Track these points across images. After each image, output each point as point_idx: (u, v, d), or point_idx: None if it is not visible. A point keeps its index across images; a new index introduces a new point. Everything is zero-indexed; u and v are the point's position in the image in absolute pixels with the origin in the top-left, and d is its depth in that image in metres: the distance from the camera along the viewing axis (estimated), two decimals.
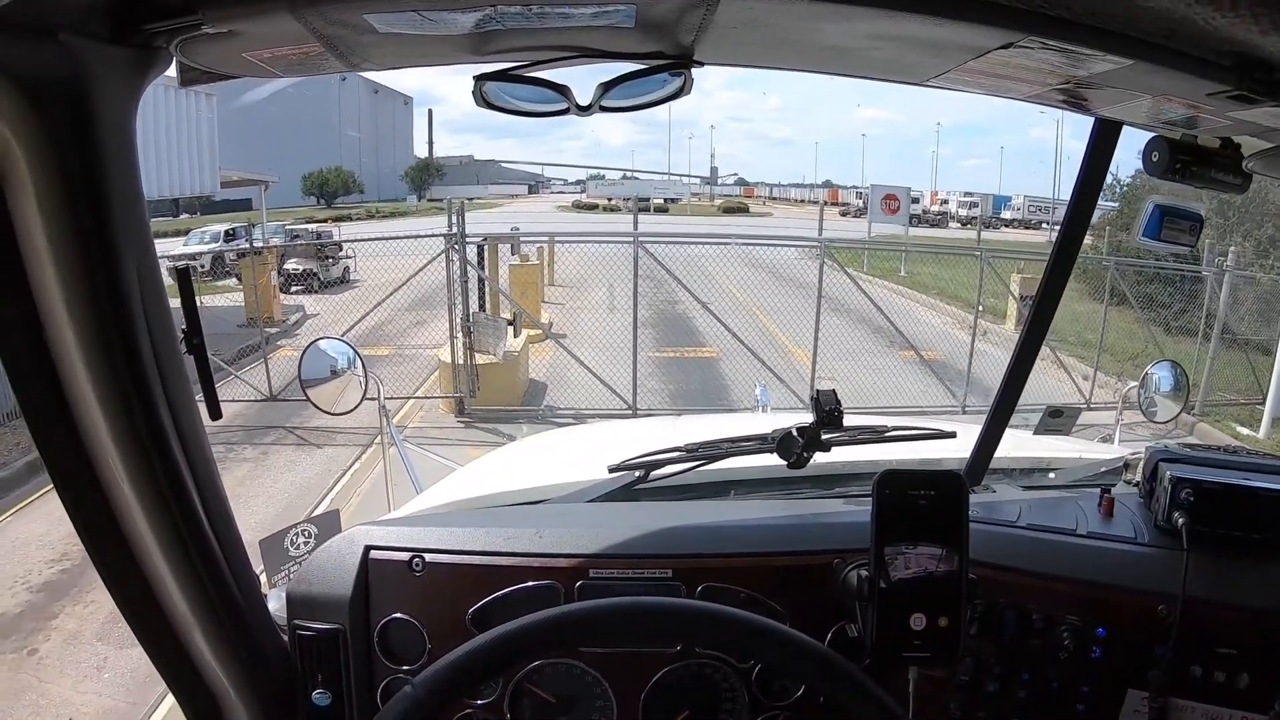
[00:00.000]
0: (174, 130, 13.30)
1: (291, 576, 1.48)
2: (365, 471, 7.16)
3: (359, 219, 37.02)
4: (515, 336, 9.65)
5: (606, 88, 0.91)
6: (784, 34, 0.92)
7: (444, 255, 8.90)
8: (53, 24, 0.73)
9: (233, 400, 9.06)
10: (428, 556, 1.30)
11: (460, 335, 8.69)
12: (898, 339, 10.63)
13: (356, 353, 2.33)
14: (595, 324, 11.00)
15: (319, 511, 2.06)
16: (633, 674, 1.27)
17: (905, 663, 1.15)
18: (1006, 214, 49.53)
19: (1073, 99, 1.06)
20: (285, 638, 1.28)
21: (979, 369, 9.79)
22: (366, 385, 2.33)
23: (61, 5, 0.74)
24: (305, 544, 1.62)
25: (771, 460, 1.57)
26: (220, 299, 13.19)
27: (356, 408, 2.31)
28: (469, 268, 9.13)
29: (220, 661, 1.11)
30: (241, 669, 1.13)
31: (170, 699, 4.24)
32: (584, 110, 0.93)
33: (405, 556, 1.30)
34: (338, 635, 1.27)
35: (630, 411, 8.87)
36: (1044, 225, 43.37)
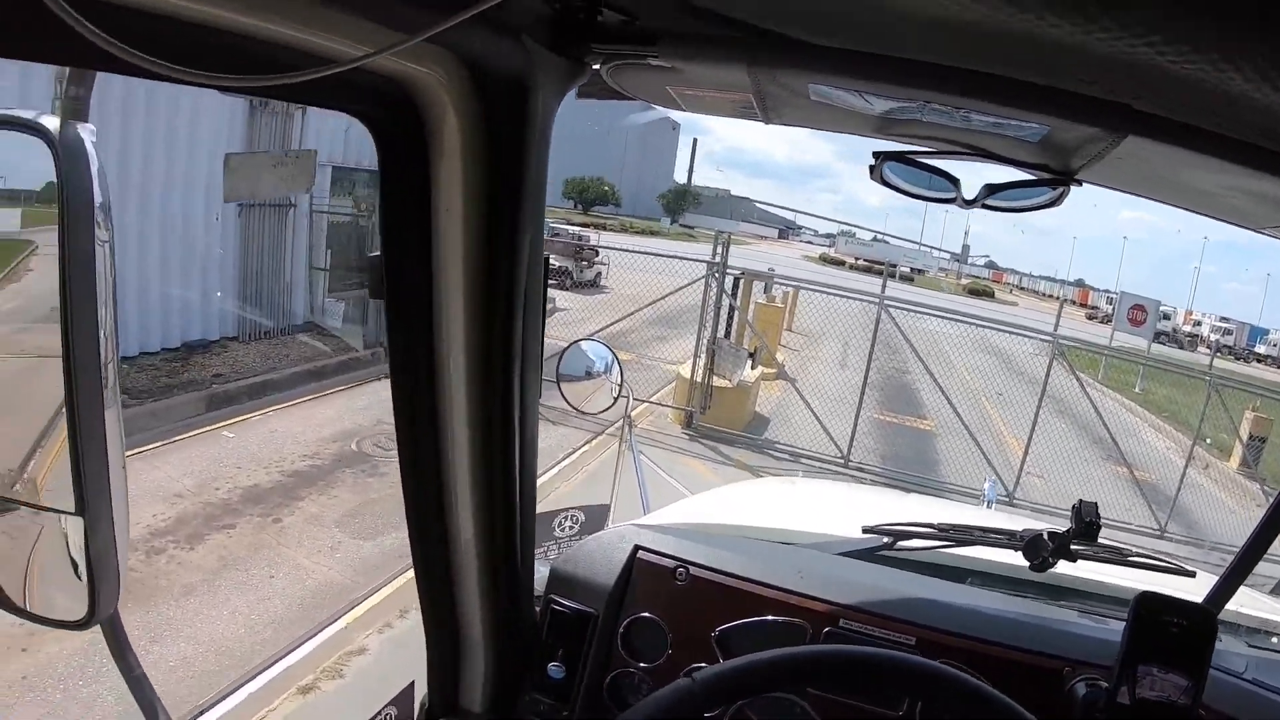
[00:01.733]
0: None
1: (550, 553, 1.61)
2: (590, 457, 7.81)
3: (612, 230, 38.54)
4: (752, 368, 10.30)
5: (993, 189, 0.96)
6: (1163, 173, 0.94)
7: (704, 280, 9.71)
8: (518, 25, 0.82)
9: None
10: (692, 569, 1.36)
11: (704, 355, 9.44)
12: (1113, 451, 10.20)
13: (617, 359, 2.37)
14: (824, 375, 11.43)
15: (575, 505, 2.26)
16: None
17: None
18: (1261, 348, 44.75)
19: None
20: (537, 608, 1.38)
21: (1189, 501, 9.34)
22: (619, 392, 2.37)
23: (533, 13, 0.83)
24: (571, 528, 1.78)
25: (1008, 557, 1.59)
26: None
27: (604, 411, 2.36)
28: (724, 296, 9.85)
29: (481, 608, 1.21)
30: (493, 621, 1.22)
31: (389, 589, 5.12)
32: (968, 204, 0.98)
33: (671, 564, 1.37)
34: (589, 618, 1.35)
35: (843, 462, 9.19)
36: None
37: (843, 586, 1.34)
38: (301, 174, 11.05)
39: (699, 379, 9.50)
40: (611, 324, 10.84)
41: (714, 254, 9.63)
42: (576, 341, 2.36)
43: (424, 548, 1.15)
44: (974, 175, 0.97)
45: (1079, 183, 0.96)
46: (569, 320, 13.13)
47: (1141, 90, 0.70)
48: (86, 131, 0.69)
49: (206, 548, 5.60)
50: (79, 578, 0.75)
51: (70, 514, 0.72)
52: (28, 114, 0.69)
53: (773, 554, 1.47)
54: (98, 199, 0.68)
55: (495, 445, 1.05)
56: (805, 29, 0.79)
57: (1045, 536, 1.49)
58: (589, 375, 2.31)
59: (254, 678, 4.40)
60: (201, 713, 4.08)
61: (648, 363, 11.91)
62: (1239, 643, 1.72)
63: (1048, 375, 9.56)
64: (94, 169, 0.68)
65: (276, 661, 4.53)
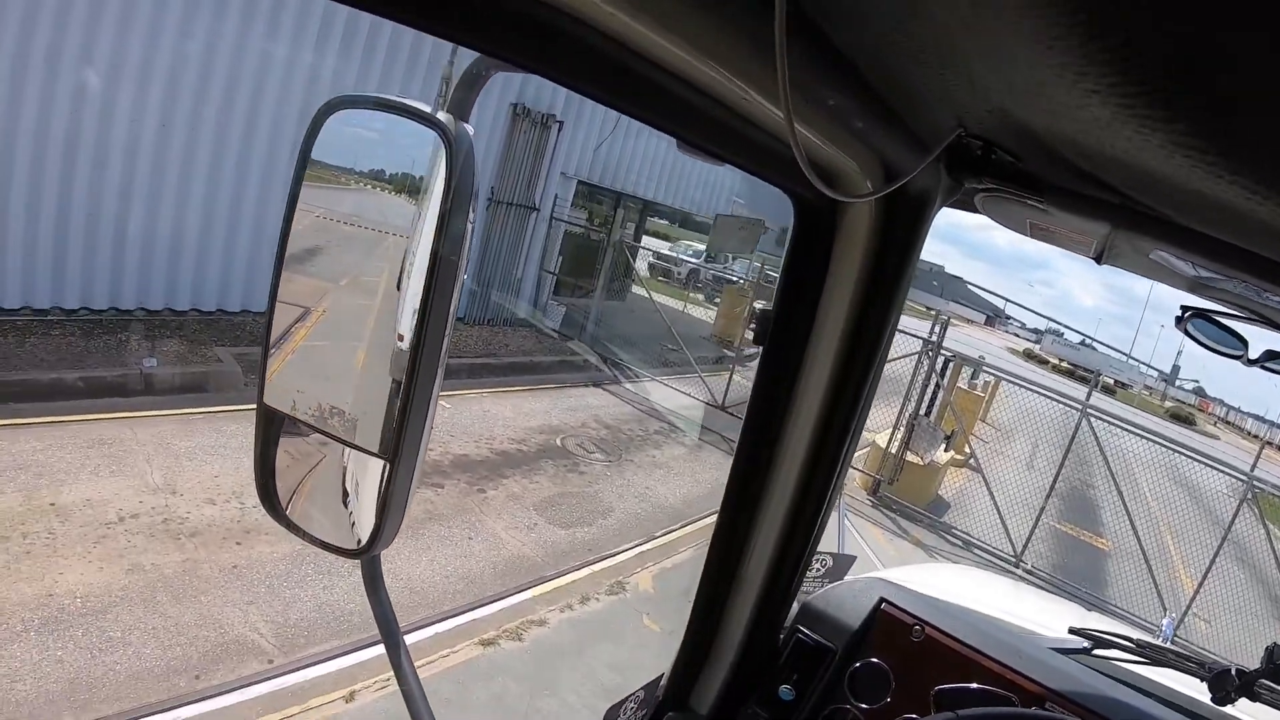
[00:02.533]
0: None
1: (803, 592, 1.64)
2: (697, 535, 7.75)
3: None
4: (944, 450, 10.52)
5: (1273, 354, 1.02)
6: None
7: (917, 356, 9.92)
8: (937, 148, 0.93)
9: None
10: (928, 629, 1.47)
11: (903, 429, 9.79)
12: None
13: None
14: (1010, 472, 11.31)
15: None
16: None
17: None
18: None
19: None
20: (781, 635, 1.48)
21: None
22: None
23: (946, 141, 0.92)
24: (818, 569, 1.79)
25: (1191, 686, 1.63)
26: (692, 309, 14.97)
27: None
28: (934, 376, 10.10)
29: (742, 627, 1.34)
30: (747, 640, 1.34)
31: (576, 575, 5.40)
32: (1251, 363, 1.03)
33: (910, 620, 1.48)
34: (828, 653, 1.47)
35: (1014, 561, 9.26)
36: None
37: (1051, 674, 1.41)
38: (753, 238, 13.10)
39: (893, 450, 9.78)
40: None
41: (931, 332, 9.86)
42: None
43: (717, 563, 1.28)
44: (1259, 340, 1.03)
45: None
46: None
47: None
48: (468, 129, 0.76)
49: (415, 500, 6.09)
50: (357, 511, 0.84)
51: (376, 455, 0.79)
52: (426, 107, 0.77)
53: (996, 632, 1.54)
54: (475, 189, 0.75)
55: (811, 495, 1.18)
56: (1169, 205, 0.85)
57: (1233, 672, 1.52)
58: None
59: (443, 620, 4.95)
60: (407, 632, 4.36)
61: None
62: None
63: (1235, 516, 9.09)
64: (476, 162, 0.75)
65: (465, 612, 5.10)
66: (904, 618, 1.47)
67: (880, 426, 10.36)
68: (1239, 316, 1.02)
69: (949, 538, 9.52)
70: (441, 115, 0.75)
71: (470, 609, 5.09)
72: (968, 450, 11.65)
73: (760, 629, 1.35)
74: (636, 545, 6.58)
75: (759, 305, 1.37)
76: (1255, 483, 9.29)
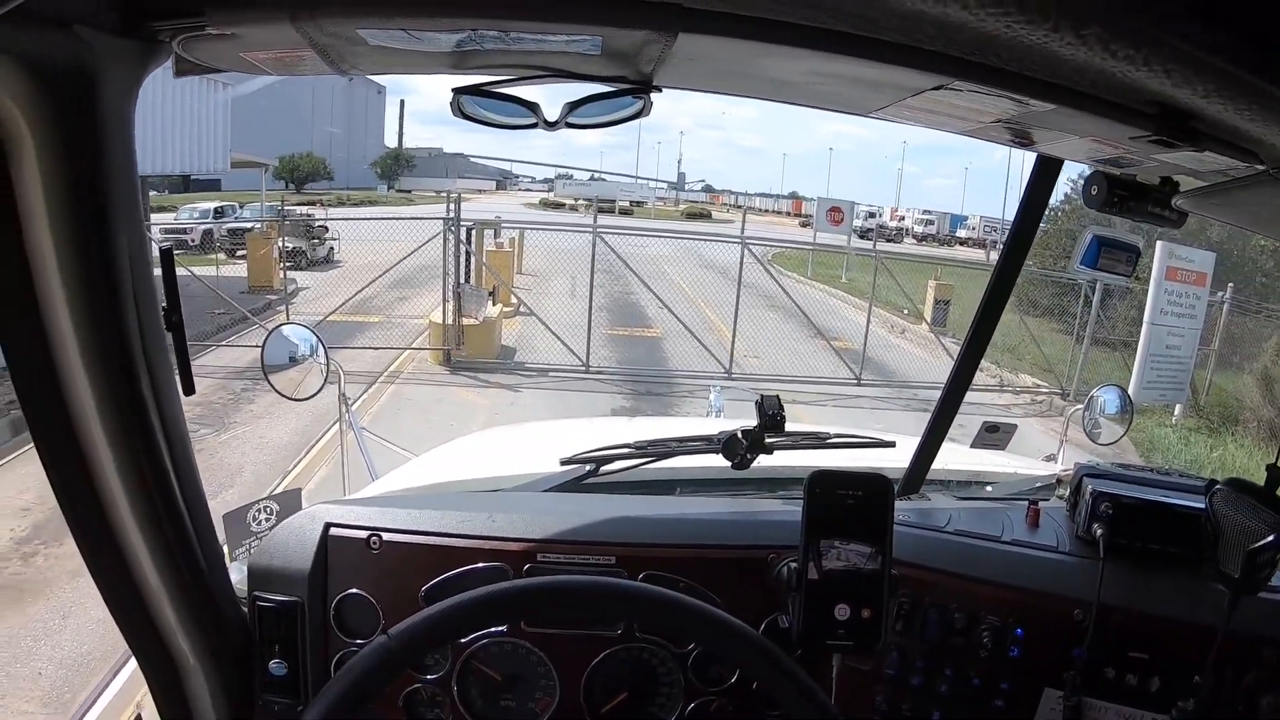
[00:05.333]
0: (191, 114, 14.29)
1: (253, 551, 1.52)
2: (328, 450, 7.39)
3: (330, 205, 36.55)
4: (494, 306, 11.74)
5: (572, 106, 0.97)
6: (735, 66, 0.96)
7: (441, 236, 10.96)
8: (67, 15, 0.76)
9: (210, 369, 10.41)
10: (385, 536, 1.33)
11: (451, 300, 10.70)
12: (816, 330, 12.66)
13: (320, 340, 2.30)
14: (557, 307, 12.83)
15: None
16: (575, 655, 1.31)
17: (829, 649, 1.18)
18: (962, 233, 49.62)
19: (1012, 137, 1.09)
20: (245, 609, 1.32)
21: (890, 358, 12.57)
22: (328, 372, 2.31)
23: None
24: (267, 520, 1.67)
25: (717, 461, 1.62)
26: (222, 269, 14.12)
27: (316, 394, 2.31)
28: (462, 245, 11.18)
29: (182, 627, 1.14)
30: (202, 636, 1.17)
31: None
32: (551, 126, 0.98)
33: (364, 535, 1.34)
34: (295, 607, 1.31)
35: (584, 369, 10.81)
36: (997, 245, 44.52)
37: (540, 521, 1.36)
38: None
39: (450, 321, 10.73)
40: (356, 294, 11.59)
41: (447, 211, 11.02)
42: (276, 328, 2.32)
43: (105, 580, 1.07)
44: (561, 97, 0.98)
45: (657, 88, 0.97)
46: (312, 297, 13.44)
47: None
48: None
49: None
50: None
51: None
52: None
53: (467, 504, 1.46)
54: None
55: (140, 456, 1.00)
56: None
57: (739, 435, 1.56)
58: (294, 361, 2.27)
59: None
60: None
61: (396, 320, 12.87)
62: (948, 498, 1.84)
63: (740, 267, 11.70)
64: None
65: None
66: (355, 535, 1.35)
67: (424, 311, 11.64)
68: (523, 80, 0.98)
69: (524, 374, 10.80)
70: None
71: None
72: (514, 300, 13.09)
73: (207, 618, 1.18)
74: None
75: None
76: (747, 242, 12.19)
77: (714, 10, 0.75)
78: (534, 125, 0.97)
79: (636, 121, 1.01)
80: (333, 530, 1.35)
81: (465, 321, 10.89)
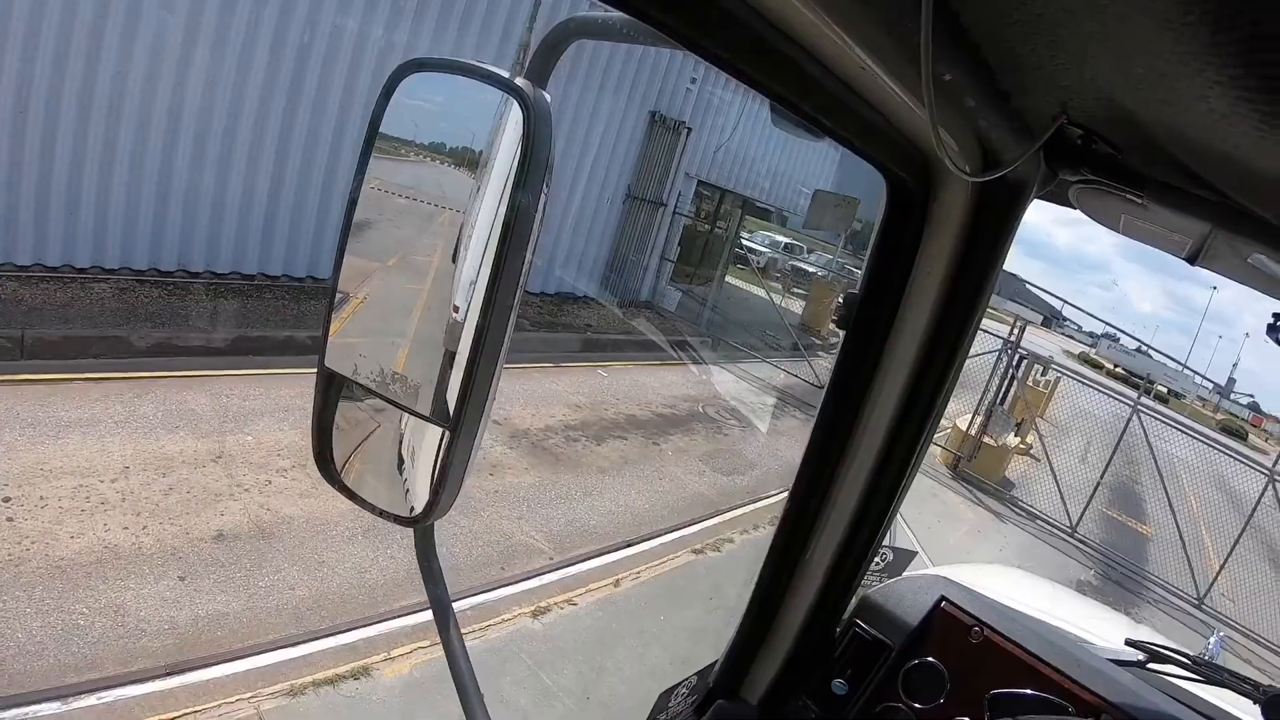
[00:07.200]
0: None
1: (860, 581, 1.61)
2: None
3: None
4: (1014, 437, 12.48)
5: None
6: None
7: (996, 354, 11.73)
8: (1035, 133, 0.88)
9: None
10: (987, 632, 1.41)
11: (982, 415, 11.63)
12: None
13: None
14: (1065, 464, 12.83)
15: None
16: None
17: None
18: None
19: None
20: (839, 628, 1.44)
21: None
22: None
23: (1046, 128, 0.86)
24: (879, 563, 1.75)
25: (1243, 706, 1.59)
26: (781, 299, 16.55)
27: None
28: (1011, 371, 11.95)
29: (801, 617, 1.30)
30: (804, 631, 1.30)
31: (743, 509, 7.25)
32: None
33: (970, 621, 1.43)
34: (885, 648, 1.43)
35: (1069, 531, 10.99)
36: None
37: (1107, 685, 1.38)
38: (847, 216, 13.82)
39: (972, 433, 11.63)
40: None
41: (1010, 334, 11.78)
42: None
43: (782, 548, 1.21)
44: None
45: None
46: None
47: None
48: (546, 96, 0.73)
49: (609, 447, 7.83)
50: (413, 479, 0.83)
51: (437, 423, 0.77)
52: (504, 72, 0.74)
53: (1053, 638, 1.50)
54: (550, 158, 0.72)
55: (883, 485, 1.12)
56: (1275, 207, 0.82)
57: None
58: None
59: (636, 544, 6.19)
60: (585, 559, 5.72)
61: None
62: None
63: (1259, 501, 10.75)
64: (553, 131, 0.72)
65: (666, 534, 6.50)
66: (963, 618, 1.43)
67: (957, 413, 11.94)
68: None
69: (1015, 509, 11.15)
70: (520, 81, 0.73)
71: (665, 533, 6.48)
72: (1032, 439, 13.40)
73: (819, 619, 1.31)
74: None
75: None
76: (1276, 476, 10.85)
77: None
78: None
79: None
80: (946, 604, 1.46)
81: (985, 440, 11.59)
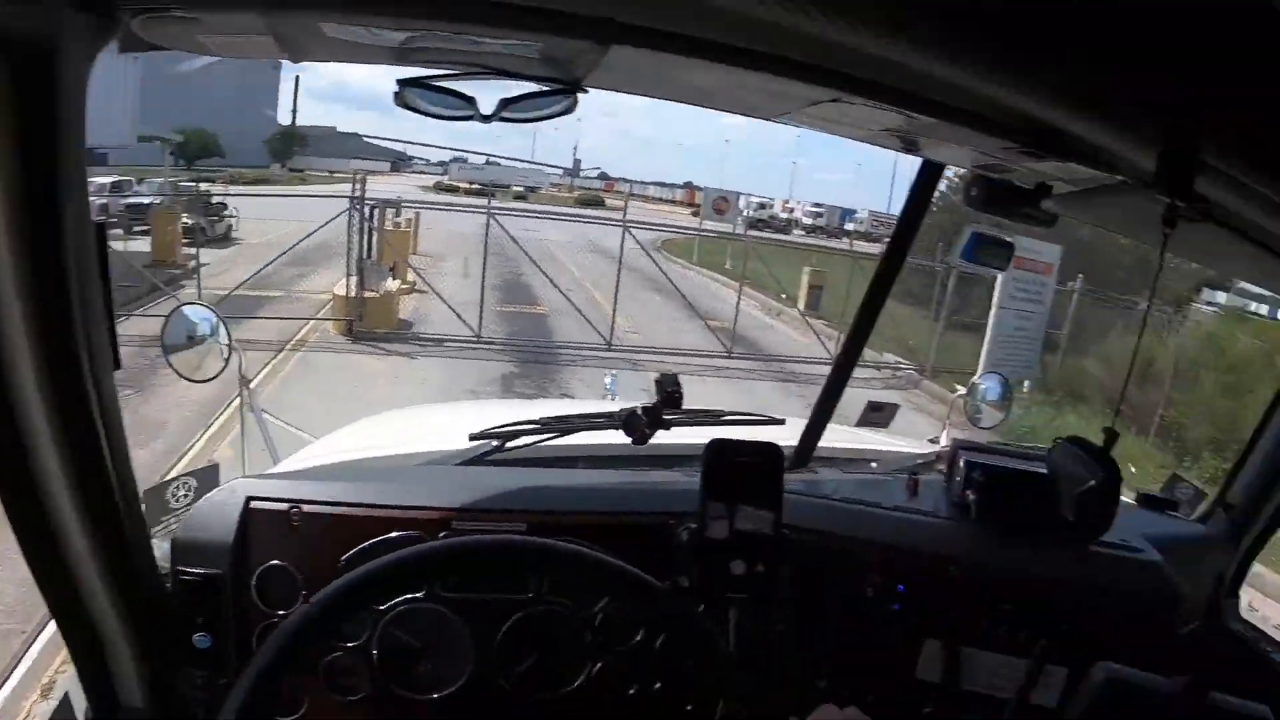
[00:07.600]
0: (100, 83, 13.74)
1: (172, 527, 1.51)
2: (230, 426, 7.17)
3: (221, 182, 35.16)
4: (393, 281, 12.67)
5: (507, 102, 1.02)
6: (658, 74, 1.03)
7: (346, 213, 11.73)
8: None
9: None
10: (305, 508, 1.36)
11: (354, 274, 11.47)
12: (695, 311, 13.88)
13: (221, 320, 2.25)
14: (450, 285, 13.74)
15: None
16: (488, 620, 1.35)
17: (727, 603, 1.26)
18: (850, 226, 49.77)
19: (900, 143, 1.19)
20: (168, 584, 1.32)
21: (765, 337, 13.89)
22: (229, 354, 2.25)
23: None
24: (185, 496, 1.66)
25: (618, 438, 1.65)
26: (120, 245, 14.01)
27: (216, 376, 2.26)
28: (367, 223, 12.07)
29: (108, 599, 1.13)
30: (127, 609, 1.16)
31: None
32: (486, 119, 1.03)
33: (284, 507, 1.36)
34: (218, 580, 1.32)
35: (475, 338, 11.62)
36: (885, 239, 45.97)
37: (453, 493, 1.41)
38: None
39: (353, 294, 11.49)
40: (263, 268, 12.08)
41: (352, 190, 11.90)
42: (177, 308, 2.24)
43: (32, 548, 1.07)
44: (497, 93, 1.02)
45: (584, 90, 1.02)
46: (213, 273, 13.52)
47: (622, 5, 0.80)
48: None
49: None
50: None
51: None
52: None
53: (383, 477, 1.52)
54: None
55: (78, 434, 1.00)
56: None
57: (639, 411, 1.60)
58: (193, 341, 2.21)
59: None
60: None
61: (296, 295, 13.51)
62: (835, 472, 1.96)
63: (621, 248, 12.74)
64: None
65: None
66: (276, 507, 1.37)
67: (323, 287, 12.46)
68: (463, 75, 1.01)
69: (420, 343, 11.50)
70: None
71: None
72: (411, 277, 13.87)
73: (131, 592, 1.17)
74: None
75: None
76: (629, 226, 13.17)
77: (645, 26, 0.82)
78: (470, 118, 1.02)
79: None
80: (253, 503, 1.37)
81: (367, 295, 11.57)
